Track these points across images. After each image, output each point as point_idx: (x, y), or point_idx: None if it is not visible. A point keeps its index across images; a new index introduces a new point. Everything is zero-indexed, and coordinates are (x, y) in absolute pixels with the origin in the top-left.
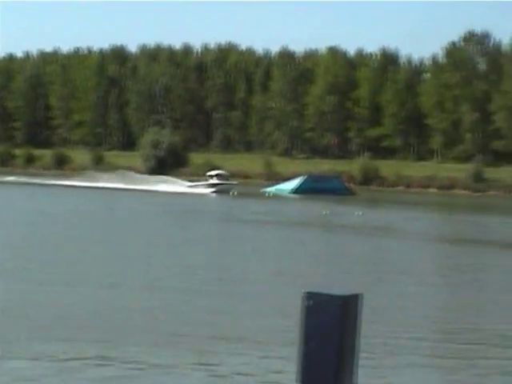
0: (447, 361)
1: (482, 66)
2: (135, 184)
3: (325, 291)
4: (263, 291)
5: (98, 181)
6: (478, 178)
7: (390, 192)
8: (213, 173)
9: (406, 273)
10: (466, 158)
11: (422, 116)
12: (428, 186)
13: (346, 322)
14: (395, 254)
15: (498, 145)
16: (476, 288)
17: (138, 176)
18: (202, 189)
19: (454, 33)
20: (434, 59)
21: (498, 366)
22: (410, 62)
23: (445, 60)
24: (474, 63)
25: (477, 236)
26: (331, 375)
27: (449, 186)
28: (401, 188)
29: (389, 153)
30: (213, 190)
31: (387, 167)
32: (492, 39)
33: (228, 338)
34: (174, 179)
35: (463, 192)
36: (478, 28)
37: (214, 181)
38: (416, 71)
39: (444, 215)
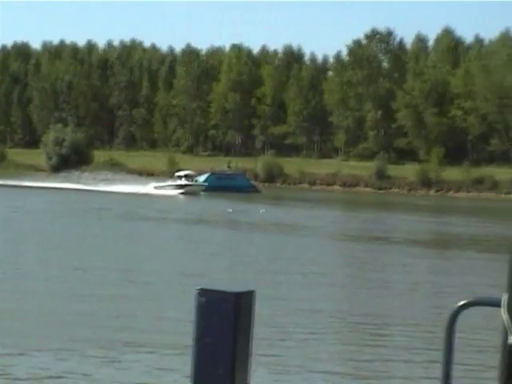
0: (351, 362)
1: (386, 64)
2: (85, 184)
3: (218, 288)
4: (163, 291)
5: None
6: (381, 175)
7: (294, 189)
8: (181, 173)
9: (308, 270)
10: (369, 156)
11: (325, 113)
12: (332, 184)
13: (238, 319)
14: (298, 251)
15: (400, 142)
16: (379, 286)
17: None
18: (168, 190)
19: (357, 31)
20: (338, 57)
21: (398, 368)
22: (313, 59)
23: (348, 58)
24: (377, 61)
25: (379, 233)
26: (224, 373)
27: (352, 183)
28: (305, 185)
29: (293, 150)
30: (181, 191)
31: (291, 165)
32: (395, 37)
33: (124, 340)
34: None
35: (367, 189)
36: (382, 26)
37: (182, 182)
38: (320, 69)
39: (348, 212)
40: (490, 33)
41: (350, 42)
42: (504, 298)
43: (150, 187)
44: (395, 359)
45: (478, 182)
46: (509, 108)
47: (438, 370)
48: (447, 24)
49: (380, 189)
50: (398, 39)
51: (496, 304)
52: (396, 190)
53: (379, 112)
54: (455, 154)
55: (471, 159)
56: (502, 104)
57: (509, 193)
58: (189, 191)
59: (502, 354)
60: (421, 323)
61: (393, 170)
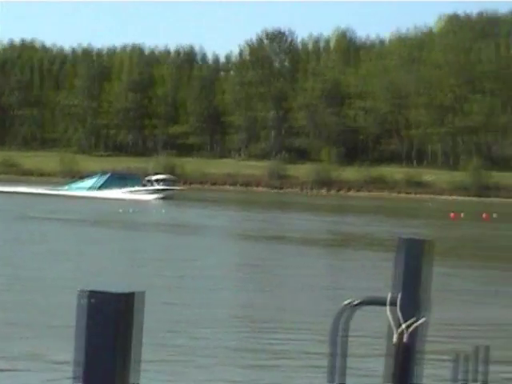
0: (248, 360)
1: (282, 63)
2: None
3: (106, 289)
4: (53, 295)
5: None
6: (278, 175)
7: (191, 189)
8: (158, 177)
9: (205, 269)
10: (265, 156)
11: (222, 113)
12: (230, 183)
13: (126, 319)
14: (195, 250)
15: (297, 142)
16: (275, 285)
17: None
18: (144, 195)
19: (255, 31)
20: (236, 57)
21: (301, 362)
22: (211, 59)
23: (246, 58)
24: (274, 61)
25: (277, 233)
26: (111, 374)
27: (249, 182)
28: (202, 185)
29: (190, 150)
30: (158, 196)
31: (189, 164)
32: (292, 37)
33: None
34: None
35: (264, 189)
36: (280, 26)
37: (159, 186)
38: (217, 69)
39: (245, 212)
40: (387, 33)
41: (248, 42)
42: (389, 297)
43: (121, 192)
44: (288, 364)
45: (374, 182)
46: (403, 108)
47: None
48: (345, 24)
49: (277, 188)
50: (295, 39)
51: (382, 303)
52: (293, 190)
53: (276, 112)
54: (351, 153)
55: (367, 159)
56: (398, 104)
57: (403, 192)
58: (166, 195)
59: (388, 352)
60: (314, 325)
61: (290, 170)
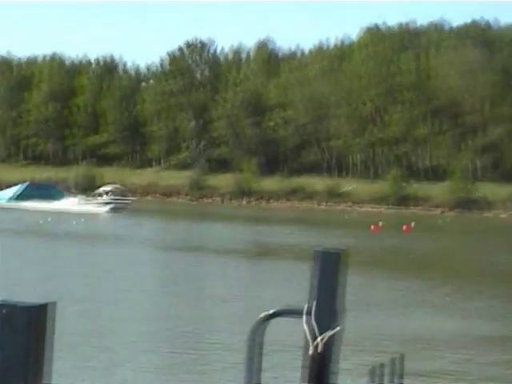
0: (166, 369)
1: (203, 73)
2: None
3: (16, 300)
4: None
5: None
6: (198, 185)
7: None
8: (106, 188)
9: (124, 280)
10: (186, 166)
11: (142, 123)
12: (149, 193)
13: (38, 331)
14: (114, 260)
15: (217, 153)
16: (194, 295)
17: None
18: (92, 207)
19: (176, 41)
20: (156, 67)
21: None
22: (131, 69)
23: (166, 67)
24: (194, 71)
25: (197, 243)
26: None
27: (169, 193)
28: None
29: (110, 160)
30: (108, 207)
31: (108, 174)
32: (213, 47)
33: None
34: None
35: (183, 199)
36: (200, 36)
37: (108, 197)
38: (137, 78)
39: (164, 222)
40: (307, 44)
41: (168, 51)
42: (307, 307)
43: (69, 203)
44: (206, 373)
45: (294, 192)
46: (323, 119)
47: None
48: (264, 35)
49: (197, 199)
50: (215, 49)
51: (298, 313)
52: (213, 200)
53: (196, 122)
54: (272, 164)
55: (287, 169)
56: (317, 114)
57: (323, 202)
58: (116, 208)
59: (304, 363)
60: (232, 337)
61: (210, 180)
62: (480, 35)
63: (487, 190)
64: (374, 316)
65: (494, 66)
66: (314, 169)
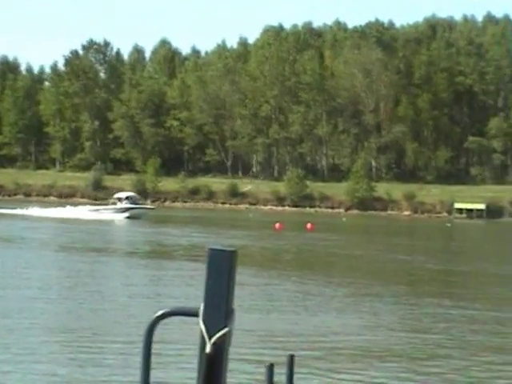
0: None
1: (103, 74)
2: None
3: None
4: None
5: None
6: (98, 186)
7: (9, 201)
8: (121, 195)
9: (24, 283)
10: (85, 167)
11: (42, 124)
12: (48, 195)
13: None
14: (12, 262)
15: (117, 153)
16: (95, 299)
17: None
18: (109, 214)
19: (74, 42)
20: (54, 67)
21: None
22: (29, 70)
23: (65, 68)
24: (94, 72)
25: (96, 244)
26: None
27: (69, 194)
28: (20, 197)
29: (8, 161)
30: (126, 215)
31: (6, 176)
32: (112, 48)
33: None
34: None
35: (83, 200)
36: (99, 37)
37: (125, 204)
38: (36, 79)
39: (64, 224)
40: (206, 44)
41: (66, 52)
42: (201, 308)
43: (83, 210)
44: (102, 370)
45: (194, 192)
46: (224, 119)
47: None
48: (164, 35)
49: (96, 199)
50: (114, 50)
51: (194, 314)
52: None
53: (96, 122)
54: (172, 164)
55: (188, 170)
56: (217, 114)
57: (225, 202)
58: (133, 215)
59: (200, 364)
60: (128, 337)
61: (110, 181)
62: (378, 36)
63: (387, 188)
64: (269, 316)
65: (392, 67)
66: (215, 169)
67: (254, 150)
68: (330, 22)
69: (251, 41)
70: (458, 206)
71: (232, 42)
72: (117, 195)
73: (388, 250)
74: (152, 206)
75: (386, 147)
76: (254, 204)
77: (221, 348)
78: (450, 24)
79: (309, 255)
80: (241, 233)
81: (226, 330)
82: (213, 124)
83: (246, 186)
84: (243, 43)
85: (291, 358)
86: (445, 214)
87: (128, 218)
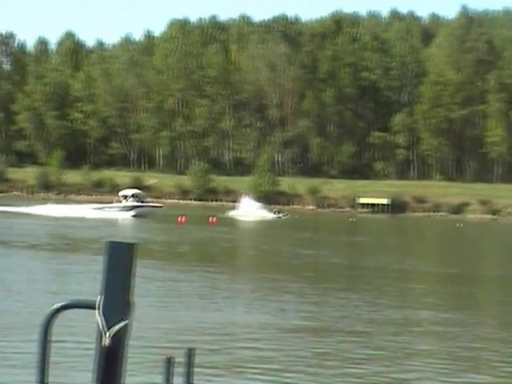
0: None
1: (7, 66)
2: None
3: None
4: None
5: None
6: (1, 178)
7: None
8: (127, 192)
9: None
10: None
11: None
12: None
13: None
14: None
15: (21, 145)
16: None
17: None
18: (113, 212)
19: None
20: None
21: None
22: None
23: None
24: None
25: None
26: None
27: None
28: None
29: None
30: (132, 213)
31: None
32: (16, 40)
33: None
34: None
35: None
36: (1, 28)
37: (131, 202)
38: None
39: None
40: (112, 37)
41: None
42: (98, 300)
43: (86, 209)
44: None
45: (98, 185)
46: (129, 112)
47: None
48: (69, 28)
49: (2, 192)
50: (19, 41)
51: (92, 306)
52: (16, 193)
53: (0, 114)
54: (76, 157)
55: (91, 162)
56: (122, 107)
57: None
58: (140, 213)
59: (96, 356)
60: (30, 328)
61: (13, 173)
62: (284, 31)
63: (291, 183)
64: (171, 309)
65: (297, 61)
66: (119, 162)
67: (159, 143)
68: (235, 16)
69: (157, 34)
70: (361, 200)
71: (137, 35)
72: (122, 193)
73: (292, 245)
74: (159, 205)
75: (291, 141)
76: (158, 197)
77: (119, 341)
78: (355, 19)
79: (213, 249)
80: (144, 226)
81: (124, 322)
82: (117, 117)
83: (150, 179)
84: (149, 36)
85: (190, 351)
86: (348, 209)
87: (134, 216)
